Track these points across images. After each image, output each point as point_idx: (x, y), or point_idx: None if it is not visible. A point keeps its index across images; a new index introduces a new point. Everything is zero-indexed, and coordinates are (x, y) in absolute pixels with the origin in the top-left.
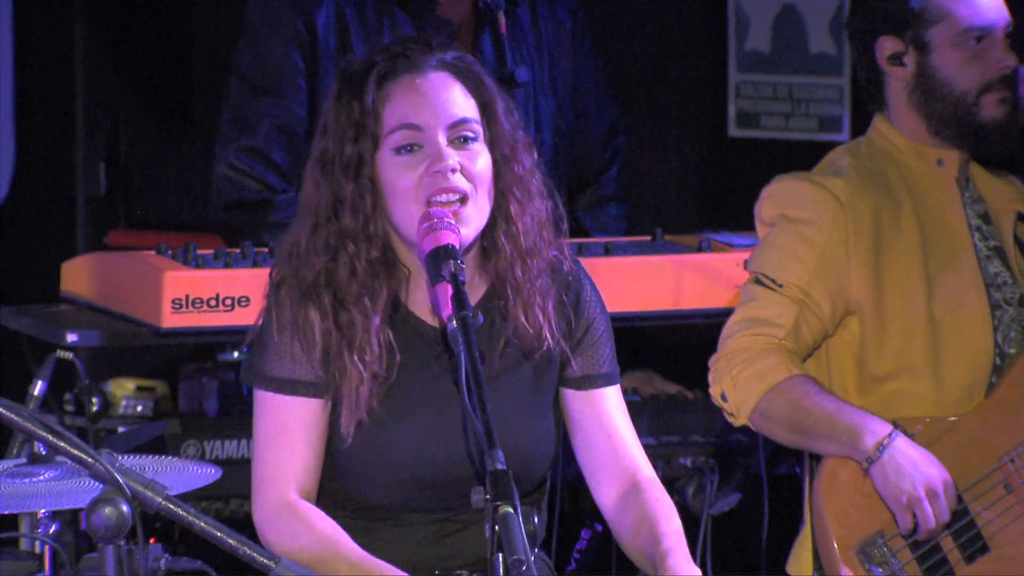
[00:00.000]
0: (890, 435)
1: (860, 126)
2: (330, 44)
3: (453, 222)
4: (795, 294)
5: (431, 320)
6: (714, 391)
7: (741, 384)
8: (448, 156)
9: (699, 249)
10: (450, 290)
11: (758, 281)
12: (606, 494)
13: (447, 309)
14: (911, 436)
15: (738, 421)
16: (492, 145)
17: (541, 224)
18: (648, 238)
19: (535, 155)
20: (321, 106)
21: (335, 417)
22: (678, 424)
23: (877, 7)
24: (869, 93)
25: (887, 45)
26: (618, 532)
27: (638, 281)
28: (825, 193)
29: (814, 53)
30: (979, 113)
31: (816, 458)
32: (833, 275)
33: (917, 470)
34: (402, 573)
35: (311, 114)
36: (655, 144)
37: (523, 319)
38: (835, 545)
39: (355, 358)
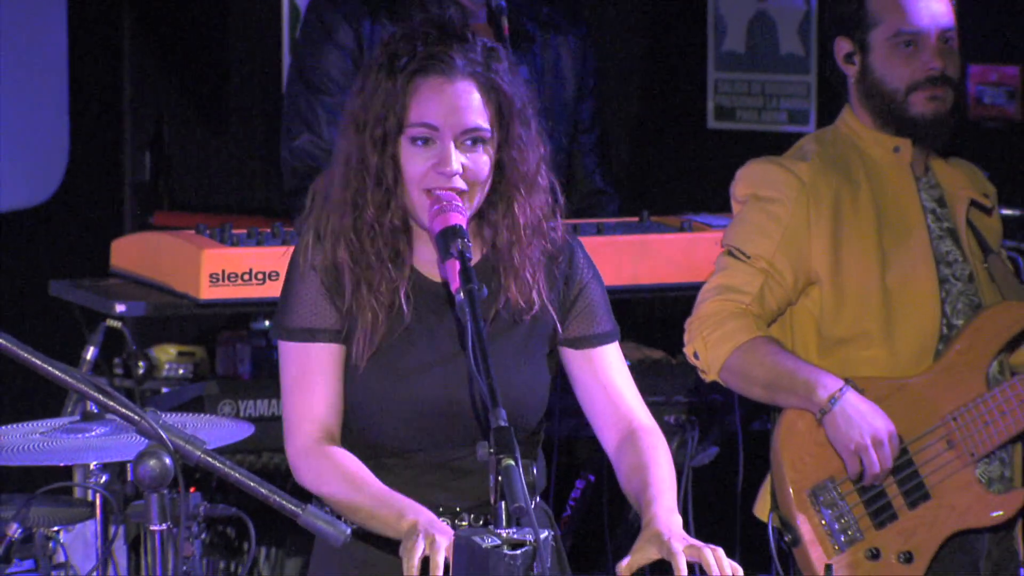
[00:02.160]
0: (841, 389)
1: (825, 119)
2: (374, 50)
3: (461, 204)
4: (761, 265)
5: (435, 275)
6: (688, 350)
7: (711, 344)
8: (453, 160)
9: (682, 229)
10: (458, 265)
11: (729, 253)
12: (607, 440)
13: (455, 282)
14: (862, 392)
15: (708, 377)
16: (502, 146)
17: (540, 214)
18: (636, 219)
19: (542, 150)
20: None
21: (348, 351)
22: (663, 386)
23: (835, 11)
24: (836, 87)
25: (843, 45)
26: (618, 476)
27: (627, 258)
28: (790, 175)
29: (784, 54)
30: (909, 109)
31: (779, 412)
32: (796, 248)
33: (865, 420)
34: (419, 505)
35: None
36: (642, 134)
37: (514, 288)
38: (790, 488)
39: (372, 298)
